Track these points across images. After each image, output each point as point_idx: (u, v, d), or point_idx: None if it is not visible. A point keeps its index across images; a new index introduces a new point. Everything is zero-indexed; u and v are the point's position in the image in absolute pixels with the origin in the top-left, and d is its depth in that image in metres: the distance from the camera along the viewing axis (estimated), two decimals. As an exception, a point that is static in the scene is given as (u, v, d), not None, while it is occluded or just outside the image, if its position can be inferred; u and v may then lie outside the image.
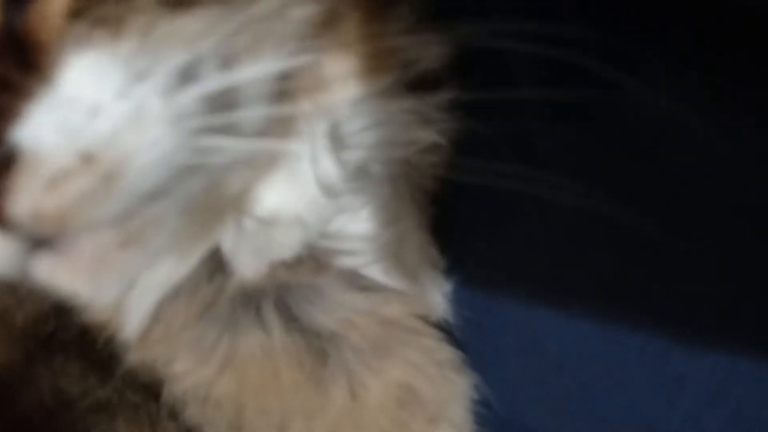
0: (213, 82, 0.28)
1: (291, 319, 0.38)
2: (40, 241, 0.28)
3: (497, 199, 0.39)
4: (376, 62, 0.36)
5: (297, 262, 0.37)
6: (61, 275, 0.29)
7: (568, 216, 0.37)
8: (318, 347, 0.38)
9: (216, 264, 0.36)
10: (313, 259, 0.37)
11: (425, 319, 0.40)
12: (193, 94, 0.28)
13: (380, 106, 0.36)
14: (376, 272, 0.39)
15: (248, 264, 0.36)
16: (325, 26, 0.33)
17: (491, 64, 0.37)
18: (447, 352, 0.40)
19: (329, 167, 0.35)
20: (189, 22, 0.28)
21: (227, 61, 0.29)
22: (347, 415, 0.38)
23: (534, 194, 0.34)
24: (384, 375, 0.38)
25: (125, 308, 0.36)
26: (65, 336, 0.39)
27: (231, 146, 0.30)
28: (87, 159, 0.26)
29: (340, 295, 0.39)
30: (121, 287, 0.33)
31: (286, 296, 0.38)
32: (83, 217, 0.27)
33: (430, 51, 0.39)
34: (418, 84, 0.38)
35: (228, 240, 0.36)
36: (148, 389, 0.38)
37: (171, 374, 0.38)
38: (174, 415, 0.38)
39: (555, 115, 0.38)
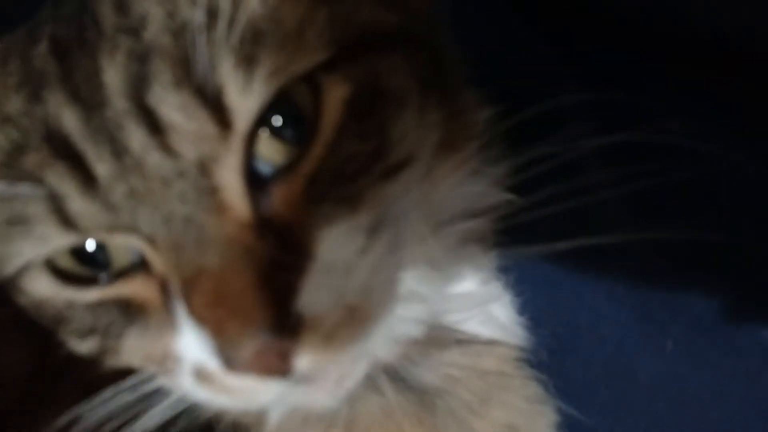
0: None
1: (399, 381, 0.41)
2: (303, 378, 0.31)
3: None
4: (459, 143, 0.40)
5: (424, 339, 0.41)
6: (315, 397, 0.34)
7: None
8: (428, 402, 0.41)
9: None
10: (437, 333, 0.41)
11: (512, 361, 0.44)
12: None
13: (465, 181, 0.40)
14: (471, 325, 0.43)
15: (383, 346, 0.39)
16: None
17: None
18: (532, 388, 0.44)
19: (433, 245, 0.39)
20: (396, 185, 0.33)
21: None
22: None
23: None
24: (488, 418, 0.43)
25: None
26: None
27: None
28: (351, 310, 0.31)
29: (440, 353, 0.42)
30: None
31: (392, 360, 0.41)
32: (344, 356, 0.32)
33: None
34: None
35: None
36: None
37: None
38: None
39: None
